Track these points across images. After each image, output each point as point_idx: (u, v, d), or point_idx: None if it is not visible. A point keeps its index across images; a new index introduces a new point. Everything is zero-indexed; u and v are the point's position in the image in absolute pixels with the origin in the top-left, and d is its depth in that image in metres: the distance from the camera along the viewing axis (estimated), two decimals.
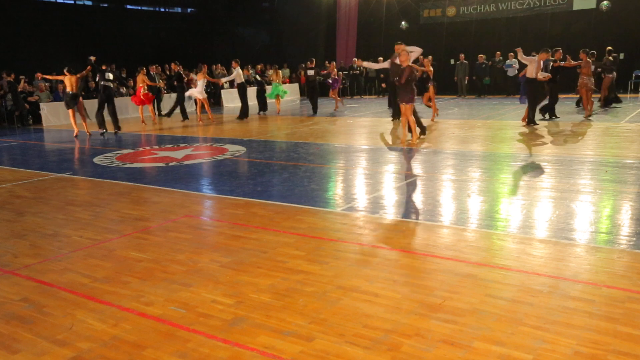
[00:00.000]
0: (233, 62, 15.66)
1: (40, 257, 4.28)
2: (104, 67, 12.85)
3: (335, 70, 18.10)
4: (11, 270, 4.00)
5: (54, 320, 3.14)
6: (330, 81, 17.23)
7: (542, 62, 11.17)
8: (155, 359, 2.67)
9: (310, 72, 16.85)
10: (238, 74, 15.39)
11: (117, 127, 13.07)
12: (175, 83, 16.41)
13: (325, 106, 17.94)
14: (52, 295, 3.50)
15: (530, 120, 11.24)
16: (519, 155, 8.20)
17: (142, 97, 14.72)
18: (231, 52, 22.81)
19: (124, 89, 18.09)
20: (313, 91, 17.02)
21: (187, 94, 15.35)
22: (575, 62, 12.89)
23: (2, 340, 2.93)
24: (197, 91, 14.83)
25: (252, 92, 17.39)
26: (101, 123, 12.77)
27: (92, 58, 12.96)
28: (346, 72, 22.34)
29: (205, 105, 14.90)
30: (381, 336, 2.78)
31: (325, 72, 17.95)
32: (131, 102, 17.69)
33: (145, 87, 14.67)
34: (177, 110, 16.23)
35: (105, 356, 2.71)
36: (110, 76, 12.94)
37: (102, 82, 12.78)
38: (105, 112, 12.98)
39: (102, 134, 12.65)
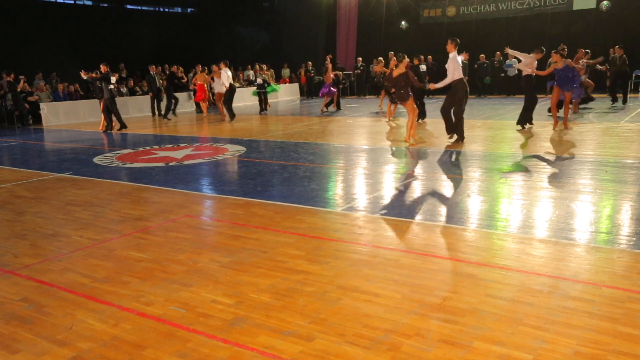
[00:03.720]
0: (221, 63, 15.29)
1: (40, 257, 4.28)
2: (104, 70, 13.18)
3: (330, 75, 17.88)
4: (11, 270, 4.00)
5: (54, 320, 3.14)
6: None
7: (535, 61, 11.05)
8: (155, 359, 2.67)
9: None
10: (227, 76, 15.17)
11: (110, 127, 13.67)
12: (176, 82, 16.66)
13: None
14: (52, 295, 3.50)
15: (521, 121, 11.14)
16: (519, 155, 8.20)
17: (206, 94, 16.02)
18: (231, 52, 22.82)
19: (124, 88, 18.20)
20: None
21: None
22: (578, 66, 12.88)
23: (2, 340, 2.93)
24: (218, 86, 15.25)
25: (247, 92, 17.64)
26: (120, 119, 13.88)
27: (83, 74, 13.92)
28: (349, 73, 22.37)
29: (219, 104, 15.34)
30: (381, 336, 2.78)
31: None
32: (131, 103, 17.85)
33: (207, 84, 15.72)
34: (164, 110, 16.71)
35: (105, 356, 2.71)
36: (113, 79, 13.65)
37: (109, 86, 13.41)
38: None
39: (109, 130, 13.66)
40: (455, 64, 9.18)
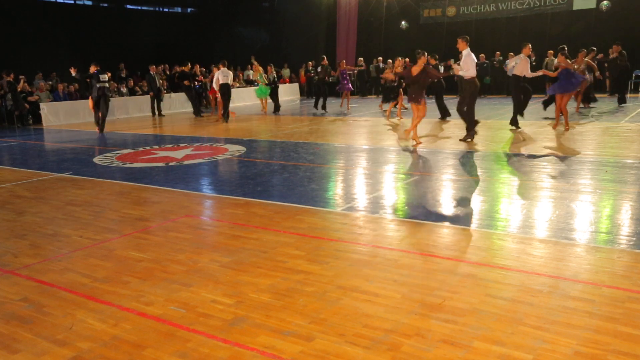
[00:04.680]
0: (219, 64, 15.27)
1: (40, 257, 4.28)
2: (94, 69, 13.19)
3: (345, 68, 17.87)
4: (11, 270, 4.00)
5: (54, 320, 3.14)
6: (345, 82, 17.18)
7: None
8: (155, 359, 2.67)
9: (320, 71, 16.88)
10: (224, 76, 15.01)
11: (101, 128, 13.55)
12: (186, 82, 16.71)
13: (329, 106, 17.91)
14: (52, 295, 3.50)
15: (513, 122, 11.13)
16: (519, 155, 8.20)
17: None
18: (231, 52, 22.84)
19: (125, 88, 18.22)
20: (319, 90, 16.97)
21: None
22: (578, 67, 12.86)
23: (2, 340, 2.93)
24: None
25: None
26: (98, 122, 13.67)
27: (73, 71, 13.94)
28: (349, 73, 22.37)
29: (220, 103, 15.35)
30: (381, 336, 2.78)
31: (336, 73, 17.92)
32: (131, 103, 17.88)
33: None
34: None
35: (105, 356, 2.71)
36: (105, 77, 13.59)
37: (97, 84, 13.29)
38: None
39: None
40: (470, 61, 9.19)
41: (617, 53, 15.03)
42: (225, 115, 14.95)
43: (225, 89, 14.88)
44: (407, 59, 14.27)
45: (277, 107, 17.15)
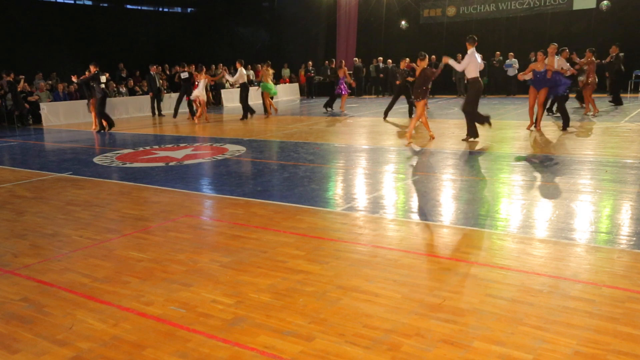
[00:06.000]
0: (237, 63, 15.70)
1: (40, 257, 4.28)
2: (93, 70, 13.34)
3: (346, 70, 17.76)
4: (11, 270, 4.00)
5: (54, 320, 3.14)
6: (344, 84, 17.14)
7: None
8: (155, 359, 2.67)
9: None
10: (241, 74, 15.37)
11: (102, 127, 13.76)
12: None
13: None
14: (52, 295, 3.50)
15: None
16: (519, 155, 8.20)
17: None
18: (231, 52, 22.84)
19: (124, 88, 18.20)
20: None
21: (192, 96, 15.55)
22: (582, 61, 12.87)
23: (2, 340, 2.93)
24: (197, 91, 15.09)
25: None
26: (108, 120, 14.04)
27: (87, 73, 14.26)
28: (349, 73, 22.38)
29: (202, 105, 15.27)
30: (381, 336, 2.79)
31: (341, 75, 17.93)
32: (131, 103, 17.85)
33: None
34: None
35: (105, 356, 2.71)
36: (104, 79, 13.83)
37: (100, 85, 13.49)
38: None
39: (102, 130, 13.70)
40: (470, 59, 9.27)
41: (614, 55, 14.99)
42: (251, 112, 15.51)
43: (243, 88, 15.42)
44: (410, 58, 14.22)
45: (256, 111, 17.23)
